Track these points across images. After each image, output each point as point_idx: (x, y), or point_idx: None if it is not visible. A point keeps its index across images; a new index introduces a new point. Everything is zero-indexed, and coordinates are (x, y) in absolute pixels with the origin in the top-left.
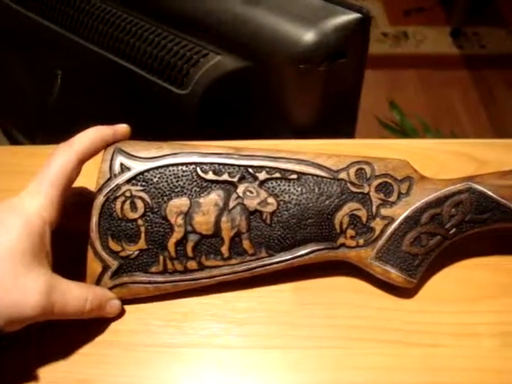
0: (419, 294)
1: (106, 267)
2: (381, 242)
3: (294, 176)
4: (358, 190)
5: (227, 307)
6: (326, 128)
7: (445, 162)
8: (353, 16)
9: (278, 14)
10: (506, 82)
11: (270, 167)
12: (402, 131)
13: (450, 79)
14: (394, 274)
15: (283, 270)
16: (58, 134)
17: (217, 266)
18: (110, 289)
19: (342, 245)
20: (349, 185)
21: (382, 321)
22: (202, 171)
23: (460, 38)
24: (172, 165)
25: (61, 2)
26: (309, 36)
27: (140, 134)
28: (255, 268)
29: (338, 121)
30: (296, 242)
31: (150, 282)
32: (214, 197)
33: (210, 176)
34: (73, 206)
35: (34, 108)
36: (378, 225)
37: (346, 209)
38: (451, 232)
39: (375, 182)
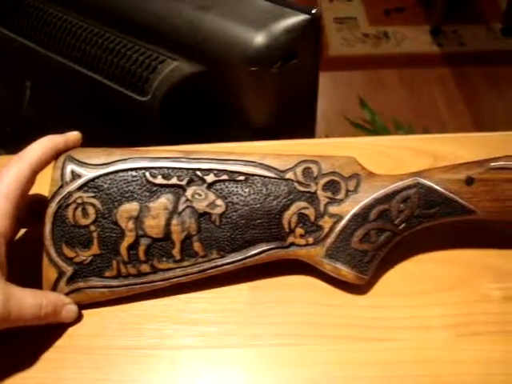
0: (373, 289)
1: (61, 273)
2: (330, 240)
3: (242, 177)
4: (306, 189)
5: (183, 308)
6: (285, 129)
7: (401, 158)
8: (302, 17)
9: (229, 17)
10: (486, 79)
11: (218, 169)
12: (373, 130)
13: (431, 77)
14: (344, 271)
15: (237, 270)
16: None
17: (169, 268)
18: (67, 294)
19: (292, 244)
20: (296, 184)
21: (335, 317)
22: (151, 176)
23: (440, 36)
24: (122, 170)
25: (26, 15)
26: (259, 38)
27: (106, 141)
28: (207, 269)
29: (296, 121)
30: (246, 243)
31: (105, 287)
32: (164, 201)
33: (159, 180)
34: (27, 214)
35: (5, 119)
36: (326, 223)
37: (293, 208)
38: (400, 227)
39: (322, 181)
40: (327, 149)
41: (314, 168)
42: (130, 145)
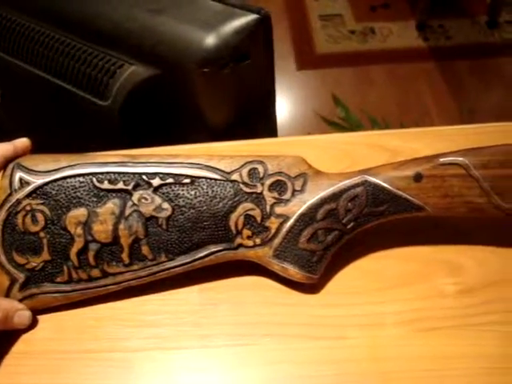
0: (326, 287)
1: (13, 280)
2: (277, 241)
3: (187, 180)
4: (252, 190)
5: (136, 311)
6: (245, 130)
7: (359, 155)
8: (252, 17)
9: (180, 20)
10: (472, 72)
11: (164, 173)
12: (348, 127)
13: (418, 72)
14: (293, 271)
15: (188, 272)
16: None
17: (120, 272)
18: (20, 301)
19: (240, 245)
20: (242, 185)
21: (287, 316)
22: (98, 181)
23: (426, 30)
24: (69, 176)
25: None
26: (209, 40)
27: (71, 146)
28: (157, 272)
29: (255, 122)
30: (194, 245)
31: (58, 292)
32: (111, 205)
33: (106, 185)
34: None
35: None
36: (273, 223)
37: (240, 210)
38: (349, 226)
39: (268, 181)
40: (285, 147)
41: (260, 168)
42: (93, 149)
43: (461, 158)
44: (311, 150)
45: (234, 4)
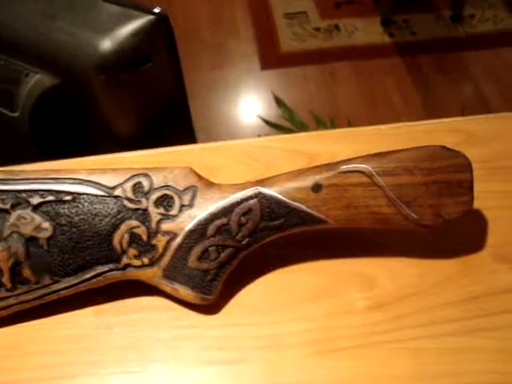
0: (226, 307)
1: None
2: (166, 260)
3: (69, 197)
4: (136, 206)
5: (30, 337)
6: (158, 137)
7: (272, 161)
8: (148, 18)
9: (75, 25)
10: (438, 67)
11: (44, 190)
12: (291, 129)
13: (384, 67)
14: (183, 292)
15: (82, 294)
16: None
17: (2, 297)
18: None
19: (128, 265)
20: (125, 201)
21: (185, 339)
22: None
23: (390, 26)
24: None
25: None
26: (104, 45)
27: None
28: (43, 296)
29: (168, 128)
30: (79, 266)
31: None
32: None
33: None
34: None
35: None
36: (160, 241)
37: (123, 227)
38: (244, 242)
39: (154, 196)
40: (196, 155)
41: (145, 182)
42: (5, 161)
43: (363, 165)
44: (219, 156)
45: (129, 4)
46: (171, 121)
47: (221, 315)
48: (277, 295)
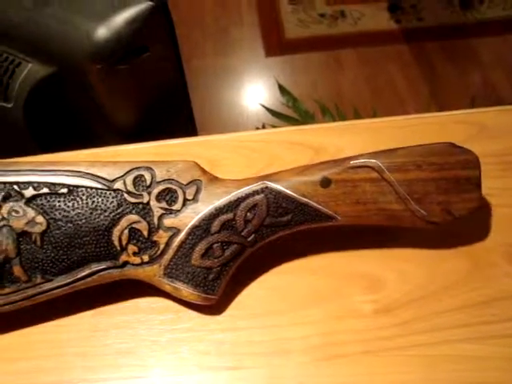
0: (228, 309)
1: None
2: (167, 257)
3: (64, 190)
4: (137, 200)
5: (22, 341)
6: (158, 128)
7: (276, 154)
8: (145, 5)
9: (69, 11)
10: (445, 54)
11: (38, 182)
12: (298, 118)
13: (390, 54)
14: (186, 291)
15: (81, 293)
16: None
17: None
18: None
19: (127, 263)
20: (126, 195)
21: (184, 343)
22: None
23: (397, 12)
24: None
25: None
26: (100, 33)
27: None
28: (34, 295)
29: (168, 119)
30: (74, 264)
31: None
32: None
33: None
34: None
35: None
36: (161, 238)
37: (123, 223)
38: (250, 239)
39: (156, 190)
40: (196, 148)
41: (147, 175)
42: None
43: (373, 160)
44: (221, 150)
45: None
46: (170, 111)
47: (221, 318)
48: (279, 298)
